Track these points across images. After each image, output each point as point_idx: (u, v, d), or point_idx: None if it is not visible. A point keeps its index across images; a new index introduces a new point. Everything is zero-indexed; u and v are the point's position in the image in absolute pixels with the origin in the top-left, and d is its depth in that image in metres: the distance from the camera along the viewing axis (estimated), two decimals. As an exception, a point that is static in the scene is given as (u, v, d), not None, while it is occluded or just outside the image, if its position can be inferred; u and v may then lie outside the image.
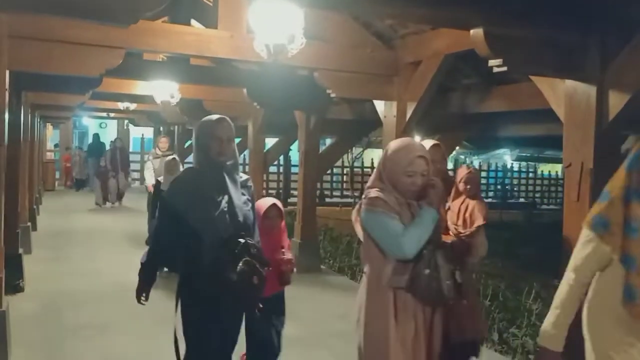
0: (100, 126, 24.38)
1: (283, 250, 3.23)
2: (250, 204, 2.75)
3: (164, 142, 8.35)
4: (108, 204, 13.22)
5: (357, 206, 2.60)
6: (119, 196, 13.44)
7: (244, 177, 2.77)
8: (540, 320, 4.73)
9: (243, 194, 2.69)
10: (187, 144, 14.97)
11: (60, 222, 10.66)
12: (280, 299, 3.36)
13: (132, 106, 11.30)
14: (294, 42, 3.78)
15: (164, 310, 5.23)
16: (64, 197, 15.00)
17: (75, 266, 6.96)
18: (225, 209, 2.56)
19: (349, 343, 2.71)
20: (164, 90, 7.48)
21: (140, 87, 7.97)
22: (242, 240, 2.51)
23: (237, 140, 11.30)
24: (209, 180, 2.57)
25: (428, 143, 3.12)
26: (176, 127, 14.78)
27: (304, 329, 4.85)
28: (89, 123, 24.98)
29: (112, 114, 15.80)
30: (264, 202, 3.30)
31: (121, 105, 11.29)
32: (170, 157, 6.39)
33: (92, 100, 9.50)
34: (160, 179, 6.13)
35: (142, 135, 19.94)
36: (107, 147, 15.68)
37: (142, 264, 2.78)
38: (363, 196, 2.41)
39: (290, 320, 5.05)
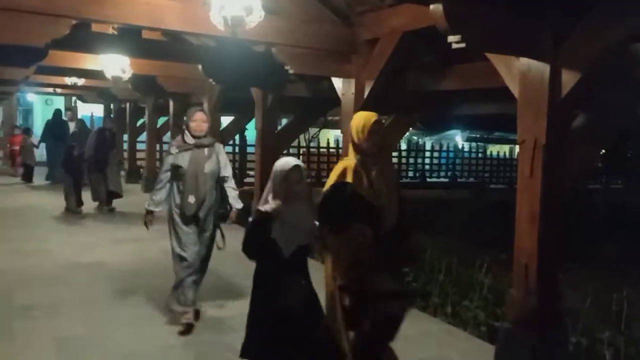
0: (46, 103, 23.33)
1: None
2: None
3: (199, 119, 4.12)
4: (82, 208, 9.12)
5: None
6: (109, 198, 9.31)
7: None
8: (491, 294, 4.93)
9: None
10: (139, 123, 14.54)
11: (5, 201, 10.20)
12: None
13: (80, 81, 10.85)
14: (252, 15, 3.69)
15: (115, 292, 5.14)
16: (7, 177, 14.29)
17: (23, 246, 6.69)
18: None
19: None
20: (115, 65, 7.20)
21: (89, 61, 7.63)
22: None
23: None
24: None
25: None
26: (127, 104, 14.31)
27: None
28: (34, 100, 23.88)
29: (58, 90, 15.10)
30: None
31: (68, 81, 10.81)
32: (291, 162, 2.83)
33: (38, 75, 9.04)
34: (268, 207, 2.75)
35: (92, 113, 19.21)
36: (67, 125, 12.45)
37: None
38: None
39: (247, 299, 5.04)
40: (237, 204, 4.27)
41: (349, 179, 3.01)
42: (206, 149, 4.13)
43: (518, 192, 3.50)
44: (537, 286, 3.36)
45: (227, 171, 4.28)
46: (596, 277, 6.04)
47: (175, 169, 4.06)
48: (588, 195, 14.59)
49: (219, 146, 4.28)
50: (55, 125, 13.00)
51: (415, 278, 5.50)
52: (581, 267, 6.18)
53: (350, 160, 3.12)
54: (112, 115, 9.88)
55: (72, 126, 11.26)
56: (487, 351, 3.82)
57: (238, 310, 4.10)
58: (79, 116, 13.89)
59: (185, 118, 4.17)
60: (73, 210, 8.95)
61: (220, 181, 4.24)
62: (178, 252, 4.14)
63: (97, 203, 9.36)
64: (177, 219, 4.11)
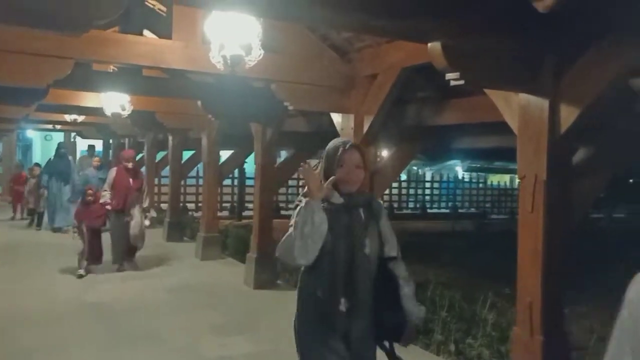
0: (45, 138, 23.47)
1: None
2: None
3: (352, 162, 2.36)
4: (95, 269, 7.29)
5: None
6: (130, 251, 7.63)
7: None
8: (495, 330, 4.84)
9: None
10: (138, 157, 14.57)
11: (4, 238, 10.13)
12: None
13: (80, 118, 10.94)
14: (252, 53, 3.73)
15: (118, 333, 5.05)
16: (8, 212, 14.21)
17: (24, 285, 6.61)
18: None
19: None
20: (115, 102, 7.25)
21: (88, 99, 7.71)
22: None
23: (190, 152, 10.29)
24: None
25: None
26: (127, 139, 14.39)
27: (262, 346, 4.76)
28: (33, 135, 24.04)
29: (58, 126, 15.21)
30: None
31: (68, 117, 10.90)
32: None
33: (38, 112, 9.11)
34: None
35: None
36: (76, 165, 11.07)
37: None
38: None
39: (248, 337, 4.97)
40: (416, 309, 2.41)
41: None
42: (362, 210, 2.39)
43: (520, 228, 3.46)
44: (542, 324, 3.30)
45: (394, 248, 2.46)
46: (601, 307, 5.95)
47: None
48: (592, 224, 14.54)
49: (378, 204, 2.49)
50: (58, 163, 11.31)
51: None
52: (586, 298, 6.10)
53: None
54: (134, 152, 7.89)
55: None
56: (494, 391, 3.72)
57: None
58: (79, 152, 13.52)
59: (323, 158, 2.41)
60: (85, 268, 7.16)
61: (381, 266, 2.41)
62: None
63: (116, 264, 7.54)
64: (311, 334, 2.37)
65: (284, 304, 6.25)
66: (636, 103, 3.55)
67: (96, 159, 11.11)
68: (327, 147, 2.43)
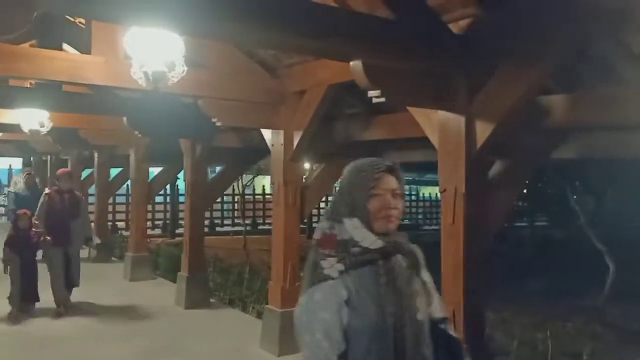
0: (-41, 157, 21.94)
1: None
2: None
3: (390, 189, 1.77)
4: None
5: None
6: (68, 285, 6.54)
7: None
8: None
9: None
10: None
11: None
12: None
13: (-4, 135, 10.32)
14: (175, 70, 3.66)
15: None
16: None
17: None
18: None
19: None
20: (33, 119, 6.89)
21: (4, 115, 7.27)
22: None
23: (117, 169, 9.89)
24: None
25: None
26: (48, 157, 13.73)
27: (192, 368, 4.64)
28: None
29: (-27, 144, 14.24)
30: None
31: (-18, 135, 10.26)
32: None
33: (-52, 129, 8.53)
34: None
35: (10, 166, 18.28)
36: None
37: None
38: None
39: (181, 357, 4.83)
40: None
41: None
42: (401, 257, 1.79)
43: (442, 240, 3.57)
44: (465, 333, 3.40)
45: (441, 305, 1.92)
46: (522, 313, 6.24)
47: (349, 322, 1.62)
48: (515, 233, 15.27)
49: (416, 248, 1.93)
50: None
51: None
52: (508, 304, 6.37)
53: None
54: (69, 172, 7.05)
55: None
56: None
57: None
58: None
59: (345, 184, 1.78)
60: (18, 310, 6.14)
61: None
62: None
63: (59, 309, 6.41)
64: None
65: (215, 323, 6.14)
66: (543, 119, 3.76)
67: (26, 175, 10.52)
68: (350, 170, 1.77)
